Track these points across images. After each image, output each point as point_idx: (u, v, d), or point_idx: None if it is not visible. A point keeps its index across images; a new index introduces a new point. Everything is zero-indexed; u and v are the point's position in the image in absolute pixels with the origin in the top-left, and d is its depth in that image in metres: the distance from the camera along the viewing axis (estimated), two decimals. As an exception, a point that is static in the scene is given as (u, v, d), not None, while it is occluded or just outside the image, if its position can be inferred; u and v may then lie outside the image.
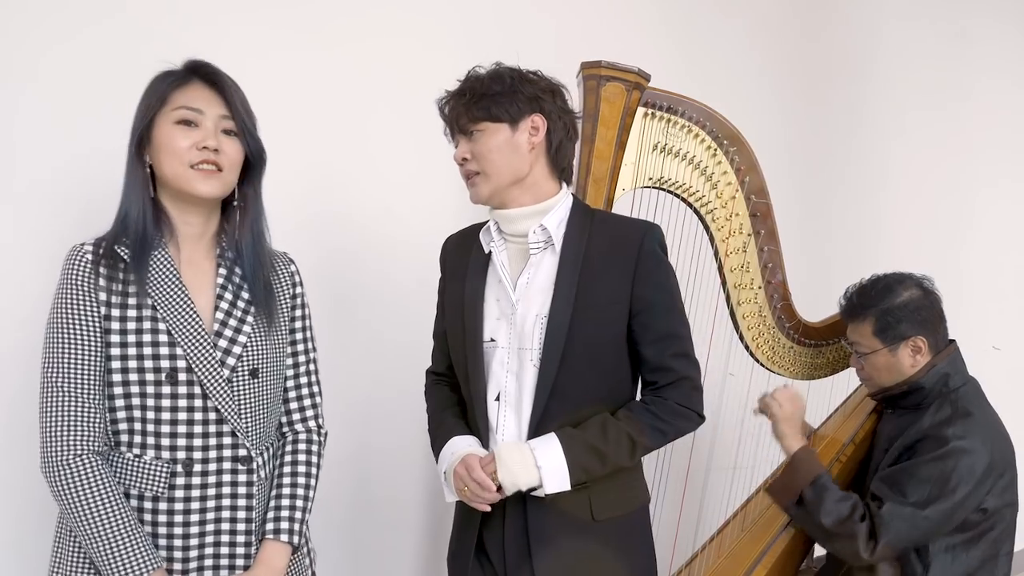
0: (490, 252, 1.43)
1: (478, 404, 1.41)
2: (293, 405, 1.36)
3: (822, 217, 2.79)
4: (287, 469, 1.32)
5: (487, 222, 1.46)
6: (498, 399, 1.40)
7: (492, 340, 1.41)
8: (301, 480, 1.31)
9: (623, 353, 1.39)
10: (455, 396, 1.52)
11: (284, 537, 1.26)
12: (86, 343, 1.16)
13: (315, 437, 1.36)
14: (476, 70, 1.40)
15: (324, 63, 1.73)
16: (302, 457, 1.33)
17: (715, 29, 2.42)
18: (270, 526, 1.27)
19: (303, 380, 1.36)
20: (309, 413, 1.37)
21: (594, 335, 1.35)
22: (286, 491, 1.30)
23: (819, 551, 1.91)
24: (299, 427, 1.36)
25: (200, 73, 1.21)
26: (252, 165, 1.26)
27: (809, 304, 2.03)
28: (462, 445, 1.40)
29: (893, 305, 1.71)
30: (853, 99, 2.85)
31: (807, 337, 1.95)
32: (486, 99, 1.35)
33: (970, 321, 1.80)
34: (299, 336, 1.35)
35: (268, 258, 1.31)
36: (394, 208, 1.87)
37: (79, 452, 1.14)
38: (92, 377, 1.16)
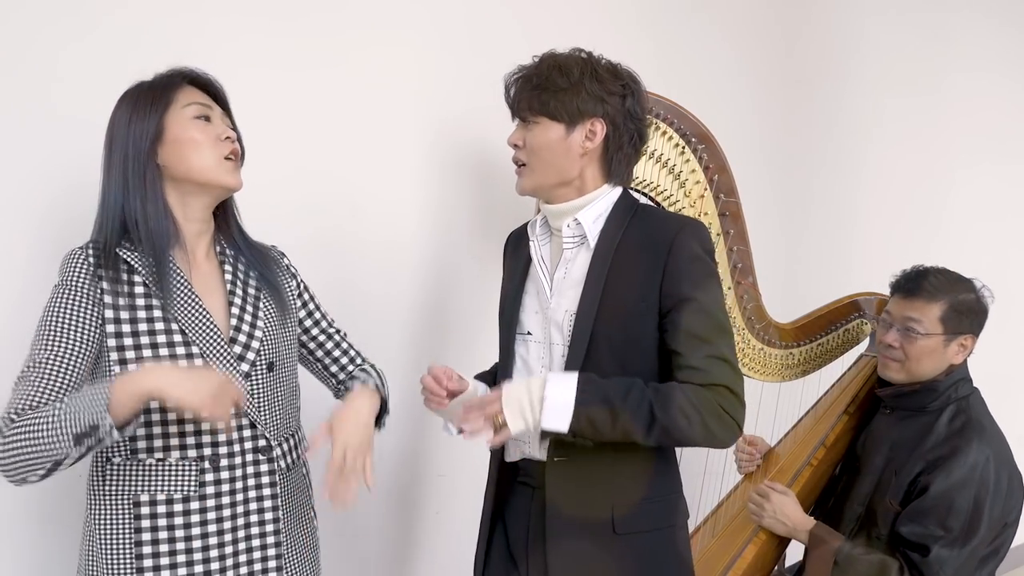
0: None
1: None
2: (343, 360, 1.43)
3: (799, 218, 2.77)
4: (361, 375, 1.39)
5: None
6: None
7: (529, 333, 1.40)
8: (374, 375, 1.40)
9: (652, 356, 1.32)
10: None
11: (371, 387, 1.32)
12: (71, 343, 1.11)
13: (371, 366, 1.44)
14: (552, 52, 1.34)
15: (299, 66, 1.69)
16: (371, 371, 1.42)
17: (690, 26, 2.39)
18: (357, 385, 1.32)
19: (336, 339, 1.43)
20: (359, 360, 1.44)
21: (619, 334, 1.30)
22: (365, 376, 1.38)
23: (791, 559, 1.89)
24: (353, 368, 1.43)
25: (190, 78, 1.23)
26: None
27: (785, 306, 2.01)
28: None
29: (966, 299, 1.69)
30: (830, 98, 2.83)
31: (779, 339, 1.93)
32: (547, 93, 1.31)
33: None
34: (318, 315, 1.42)
35: (262, 251, 1.33)
36: (361, 206, 1.83)
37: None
38: (68, 374, 1.10)
